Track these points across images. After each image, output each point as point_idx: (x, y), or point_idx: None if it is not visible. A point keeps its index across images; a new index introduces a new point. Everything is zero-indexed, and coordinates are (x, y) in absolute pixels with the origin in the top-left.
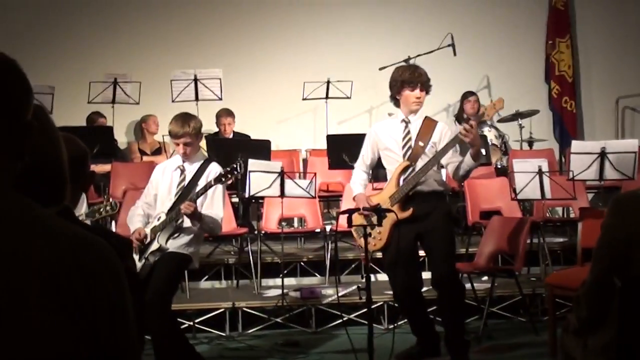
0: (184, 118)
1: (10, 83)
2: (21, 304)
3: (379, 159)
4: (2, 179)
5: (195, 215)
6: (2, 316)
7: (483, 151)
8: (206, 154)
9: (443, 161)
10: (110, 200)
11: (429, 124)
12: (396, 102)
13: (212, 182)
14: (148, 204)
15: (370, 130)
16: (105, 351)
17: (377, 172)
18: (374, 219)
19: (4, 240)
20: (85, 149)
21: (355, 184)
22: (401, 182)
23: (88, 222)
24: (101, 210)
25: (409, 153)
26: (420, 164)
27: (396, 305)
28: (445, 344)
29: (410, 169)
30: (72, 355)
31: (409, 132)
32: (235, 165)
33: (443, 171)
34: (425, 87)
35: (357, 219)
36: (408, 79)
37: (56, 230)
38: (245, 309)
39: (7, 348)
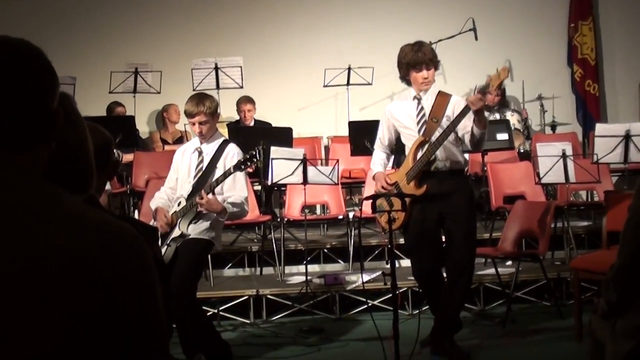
0: (199, 97)
1: (37, 70)
2: (50, 290)
3: (398, 139)
4: (31, 166)
5: (213, 206)
6: (32, 301)
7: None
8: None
9: (459, 132)
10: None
11: (442, 99)
12: (407, 82)
13: (232, 170)
14: (172, 189)
15: (385, 110)
16: (135, 337)
17: (399, 158)
18: (393, 200)
19: (32, 227)
20: (110, 137)
21: (375, 164)
22: (417, 157)
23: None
24: None
25: (423, 129)
26: (434, 139)
27: (419, 288)
28: (439, 324)
29: (427, 145)
30: (103, 341)
31: (422, 109)
32: (254, 152)
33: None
34: (432, 64)
35: (380, 200)
36: (412, 61)
37: (84, 217)
38: (269, 296)
39: (37, 335)
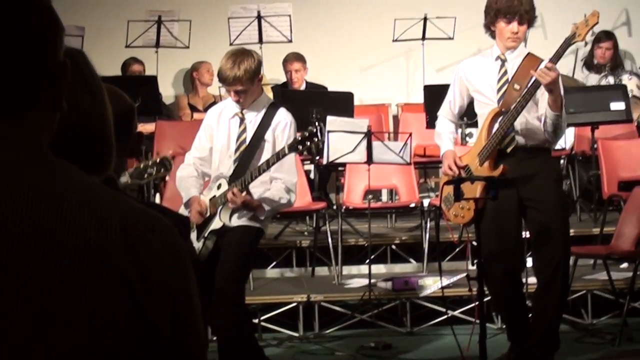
0: (236, 57)
1: (30, 14)
2: (64, 291)
3: (469, 105)
4: (35, 136)
5: (251, 206)
6: (43, 308)
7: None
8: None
9: (539, 112)
10: (161, 156)
11: (529, 63)
12: (492, 34)
13: (286, 150)
14: (202, 160)
15: (458, 69)
16: (167, 352)
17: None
18: (465, 189)
19: (42, 215)
20: (132, 104)
21: (443, 138)
22: (492, 134)
23: (134, 184)
24: (149, 170)
25: (503, 97)
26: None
27: (489, 295)
28: (530, 342)
29: (503, 117)
30: (128, 353)
31: (505, 73)
32: (315, 130)
33: None
34: (527, 18)
35: (447, 187)
36: (504, 8)
37: (104, 203)
38: (323, 303)
39: (53, 344)
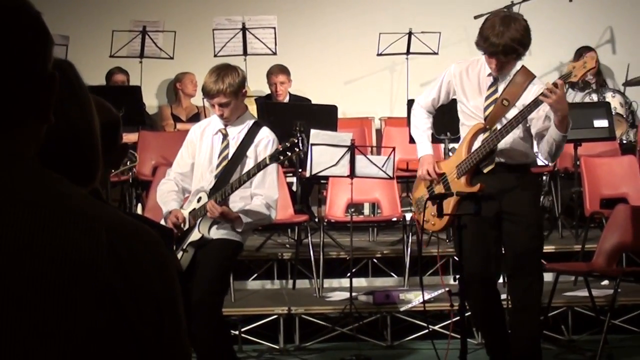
0: (220, 71)
1: (20, 26)
2: (45, 305)
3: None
4: (23, 147)
5: (226, 218)
6: (30, 316)
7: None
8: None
9: (532, 130)
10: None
11: (521, 79)
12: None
13: (267, 161)
14: (183, 175)
15: (450, 70)
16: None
17: None
18: (438, 188)
19: (28, 225)
20: (118, 115)
21: (422, 137)
22: (473, 149)
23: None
24: None
25: (489, 111)
26: (499, 127)
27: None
28: (515, 357)
29: (486, 134)
30: None
31: (495, 91)
32: (296, 140)
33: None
34: (510, 56)
35: (420, 190)
36: (483, 48)
37: (92, 215)
38: (303, 316)
39: (37, 352)
